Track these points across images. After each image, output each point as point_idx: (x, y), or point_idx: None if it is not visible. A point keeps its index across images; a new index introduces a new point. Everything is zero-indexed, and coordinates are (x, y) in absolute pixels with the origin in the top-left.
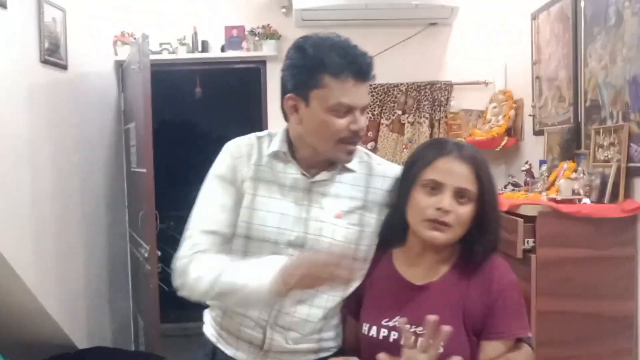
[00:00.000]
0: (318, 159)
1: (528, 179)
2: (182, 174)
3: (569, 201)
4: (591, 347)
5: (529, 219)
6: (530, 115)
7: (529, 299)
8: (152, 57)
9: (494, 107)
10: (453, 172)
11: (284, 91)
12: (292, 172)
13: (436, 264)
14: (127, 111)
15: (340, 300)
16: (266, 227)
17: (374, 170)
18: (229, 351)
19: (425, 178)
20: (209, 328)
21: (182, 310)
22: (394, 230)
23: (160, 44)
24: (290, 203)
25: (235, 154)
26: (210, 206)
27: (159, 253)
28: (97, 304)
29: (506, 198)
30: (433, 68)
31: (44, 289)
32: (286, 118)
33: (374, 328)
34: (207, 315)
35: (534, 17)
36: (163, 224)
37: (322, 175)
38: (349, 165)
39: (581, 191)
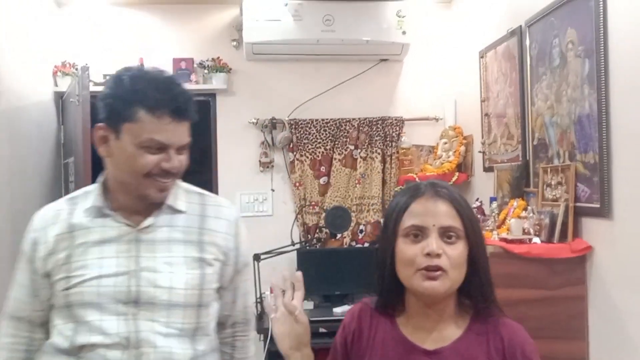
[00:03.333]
0: (137, 203)
1: (479, 216)
2: None
3: (520, 241)
4: None
5: None
6: (480, 151)
7: None
8: (95, 88)
9: (445, 143)
10: (432, 211)
11: (96, 120)
12: (113, 225)
13: (443, 324)
14: (67, 145)
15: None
16: (84, 290)
17: (207, 211)
18: None
19: (404, 227)
20: None
21: None
22: (388, 294)
23: (105, 75)
24: (113, 259)
25: (38, 225)
26: (14, 288)
27: None
28: None
29: None
30: (384, 103)
31: None
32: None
33: None
34: None
35: (482, 55)
36: None
37: (148, 221)
38: (177, 207)
39: (531, 230)
